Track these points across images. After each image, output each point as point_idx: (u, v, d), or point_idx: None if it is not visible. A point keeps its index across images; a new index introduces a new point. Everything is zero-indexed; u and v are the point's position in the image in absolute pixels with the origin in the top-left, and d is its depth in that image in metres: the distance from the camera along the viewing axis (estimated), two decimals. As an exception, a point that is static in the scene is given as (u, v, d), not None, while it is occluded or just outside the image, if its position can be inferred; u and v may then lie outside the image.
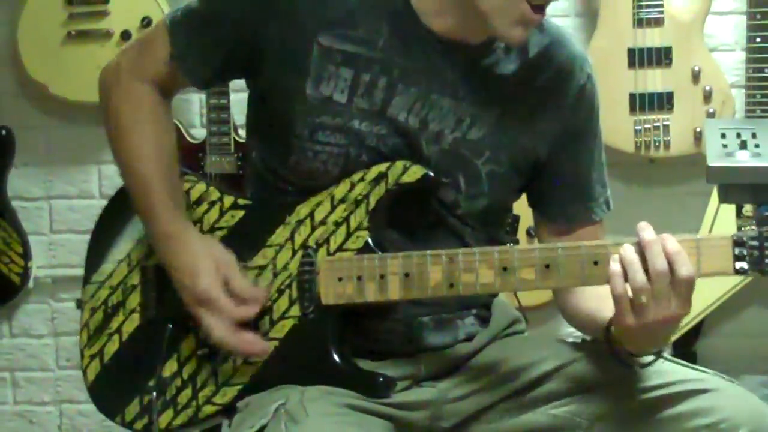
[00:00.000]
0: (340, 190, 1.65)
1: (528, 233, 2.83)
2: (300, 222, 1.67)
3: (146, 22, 2.96)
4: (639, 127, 2.88)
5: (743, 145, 2.13)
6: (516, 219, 2.84)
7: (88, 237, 1.85)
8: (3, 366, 3.27)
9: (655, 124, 2.88)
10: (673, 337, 2.84)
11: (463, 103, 1.65)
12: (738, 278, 2.81)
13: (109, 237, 1.82)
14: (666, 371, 1.62)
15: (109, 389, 1.78)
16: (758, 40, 2.74)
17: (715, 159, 2.12)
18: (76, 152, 3.19)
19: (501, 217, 1.78)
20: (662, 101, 2.87)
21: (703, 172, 2.14)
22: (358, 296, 1.61)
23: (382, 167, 1.63)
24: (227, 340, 1.64)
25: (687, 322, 2.86)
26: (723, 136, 2.17)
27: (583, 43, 2.81)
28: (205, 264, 1.65)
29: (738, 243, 1.47)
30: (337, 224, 1.65)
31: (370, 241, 1.63)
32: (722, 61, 2.95)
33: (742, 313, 3.07)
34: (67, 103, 3.07)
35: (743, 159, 2.10)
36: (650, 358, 1.60)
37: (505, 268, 1.55)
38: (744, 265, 1.47)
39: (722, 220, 2.79)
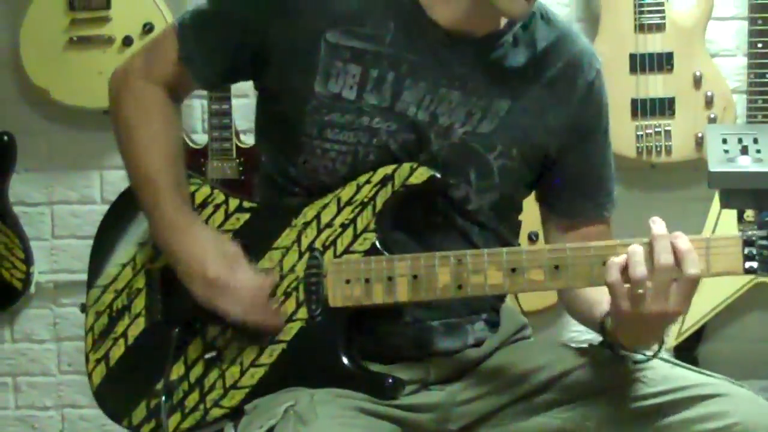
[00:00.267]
0: (346, 193, 1.65)
1: (530, 238, 2.82)
2: (306, 224, 1.67)
3: (148, 28, 2.95)
4: (640, 133, 2.88)
5: (744, 151, 2.13)
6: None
7: (89, 242, 1.85)
8: (5, 371, 3.26)
9: (657, 130, 2.88)
10: (675, 342, 2.86)
11: (473, 96, 1.65)
12: (740, 283, 2.82)
13: (113, 241, 1.81)
14: (675, 376, 1.61)
15: (115, 393, 1.77)
16: (759, 45, 2.75)
17: (716, 164, 2.11)
18: (77, 158, 3.18)
19: (510, 214, 1.78)
20: (664, 107, 2.87)
21: (704, 177, 2.13)
22: (365, 298, 1.61)
23: (388, 169, 1.63)
24: (249, 316, 1.63)
25: (689, 327, 2.86)
26: (724, 141, 2.17)
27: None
28: (213, 252, 1.65)
29: (748, 242, 1.47)
30: (344, 226, 1.64)
31: (377, 243, 1.62)
32: (724, 67, 2.96)
33: (744, 318, 3.07)
34: (68, 109, 3.05)
35: (744, 164, 2.10)
36: (644, 357, 1.60)
37: (513, 269, 1.55)
38: (754, 264, 1.47)
39: (723, 225, 2.80)
